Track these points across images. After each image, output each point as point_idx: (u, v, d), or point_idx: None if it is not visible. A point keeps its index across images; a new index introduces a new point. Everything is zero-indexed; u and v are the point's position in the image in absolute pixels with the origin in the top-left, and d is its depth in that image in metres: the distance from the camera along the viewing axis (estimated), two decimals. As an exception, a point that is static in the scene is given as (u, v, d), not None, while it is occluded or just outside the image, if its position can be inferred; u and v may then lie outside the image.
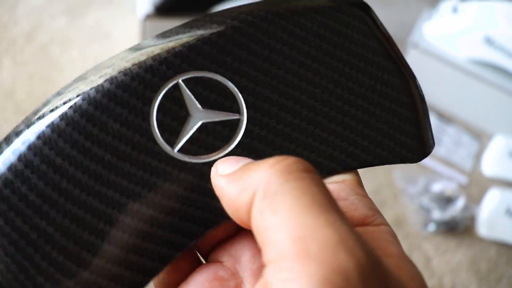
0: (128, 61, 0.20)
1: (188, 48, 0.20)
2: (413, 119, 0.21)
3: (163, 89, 0.19)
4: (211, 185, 0.18)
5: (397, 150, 0.21)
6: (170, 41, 0.20)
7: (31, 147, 0.18)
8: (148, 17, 0.67)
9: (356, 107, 0.21)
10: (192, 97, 0.19)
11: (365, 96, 0.21)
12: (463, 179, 0.74)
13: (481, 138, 0.81)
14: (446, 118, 0.81)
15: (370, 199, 0.20)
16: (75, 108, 0.19)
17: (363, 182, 0.21)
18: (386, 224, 0.19)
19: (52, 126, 0.19)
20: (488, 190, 0.70)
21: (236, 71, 0.20)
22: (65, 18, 0.74)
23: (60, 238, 0.18)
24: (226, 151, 0.20)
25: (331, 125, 0.21)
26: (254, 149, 0.20)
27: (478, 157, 0.78)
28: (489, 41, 0.77)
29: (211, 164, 0.19)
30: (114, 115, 0.19)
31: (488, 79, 0.76)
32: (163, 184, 0.19)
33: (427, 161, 0.74)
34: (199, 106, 0.19)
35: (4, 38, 0.70)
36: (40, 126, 0.19)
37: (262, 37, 0.20)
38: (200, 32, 0.20)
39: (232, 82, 0.20)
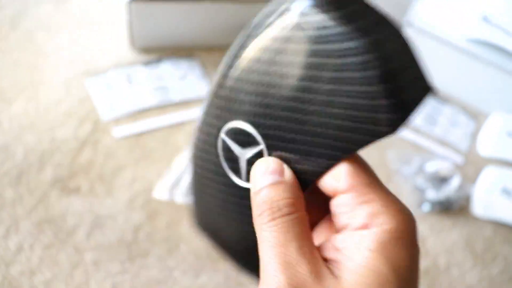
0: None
1: None
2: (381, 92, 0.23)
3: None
4: None
5: (372, 130, 0.24)
6: None
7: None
8: (134, 0, 0.66)
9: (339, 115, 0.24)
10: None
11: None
12: (459, 159, 0.72)
13: (478, 118, 0.79)
14: (442, 98, 0.79)
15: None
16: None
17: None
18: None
19: None
20: (484, 169, 0.69)
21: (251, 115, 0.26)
22: (51, 4, 0.73)
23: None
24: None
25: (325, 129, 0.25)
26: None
27: (474, 137, 0.76)
28: (486, 20, 0.75)
29: None
30: None
31: (485, 58, 0.74)
32: None
33: (422, 141, 0.73)
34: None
35: (-12, 24, 0.69)
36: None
37: None
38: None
39: (251, 125, 0.26)
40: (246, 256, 0.32)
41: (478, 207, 0.65)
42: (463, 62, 0.76)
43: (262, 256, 0.22)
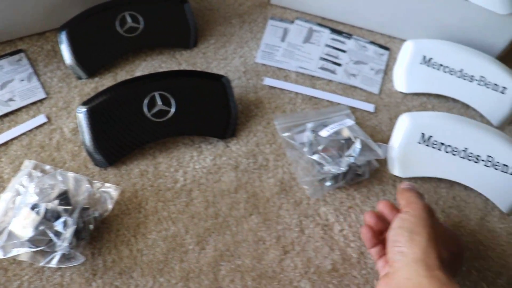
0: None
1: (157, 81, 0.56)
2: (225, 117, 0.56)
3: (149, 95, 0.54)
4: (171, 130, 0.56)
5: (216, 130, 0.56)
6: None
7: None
8: None
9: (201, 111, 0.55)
10: (160, 101, 0.54)
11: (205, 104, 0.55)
12: (369, 106, 0.59)
13: (390, 48, 0.65)
14: (344, 33, 0.65)
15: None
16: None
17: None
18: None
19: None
20: (399, 117, 0.55)
21: (173, 91, 0.55)
22: None
23: None
24: (167, 117, 0.54)
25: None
26: (177, 119, 0.55)
27: (388, 73, 0.63)
28: None
29: (164, 121, 0.54)
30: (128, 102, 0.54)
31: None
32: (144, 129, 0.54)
33: (317, 93, 0.59)
34: (160, 103, 0.54)
35: None
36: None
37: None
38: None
39: (171, 96, 0.54)
40: None
41: (396, 166, 0.53)
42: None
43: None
